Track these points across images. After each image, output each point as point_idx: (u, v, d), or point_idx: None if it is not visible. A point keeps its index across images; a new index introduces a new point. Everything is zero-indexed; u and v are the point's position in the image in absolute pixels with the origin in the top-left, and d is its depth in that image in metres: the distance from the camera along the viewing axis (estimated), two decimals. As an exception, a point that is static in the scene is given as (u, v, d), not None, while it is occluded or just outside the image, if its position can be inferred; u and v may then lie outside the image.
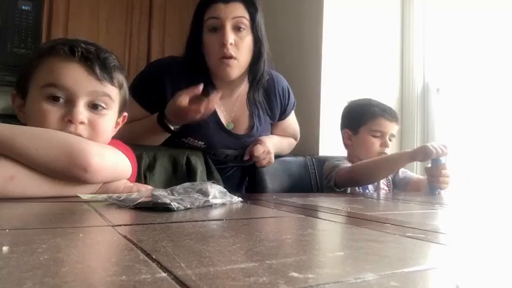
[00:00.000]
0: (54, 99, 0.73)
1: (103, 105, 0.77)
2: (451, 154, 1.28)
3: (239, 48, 1.15)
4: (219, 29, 1.14)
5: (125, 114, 0.88)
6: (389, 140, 1.40)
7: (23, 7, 2.13)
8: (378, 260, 0.31)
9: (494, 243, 0.43)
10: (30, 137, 0.66)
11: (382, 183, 1.42)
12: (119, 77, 0.80)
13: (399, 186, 1.45)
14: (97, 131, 0.76)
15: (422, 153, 1.22)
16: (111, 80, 0.77)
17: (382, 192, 1.41)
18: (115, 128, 0.85)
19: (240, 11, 1.15)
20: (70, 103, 0.73)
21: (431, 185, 1.23)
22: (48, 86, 0.72)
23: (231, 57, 1.14)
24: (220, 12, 1.13)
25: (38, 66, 0.75)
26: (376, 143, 1.39)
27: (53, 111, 0.72)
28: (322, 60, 1.84)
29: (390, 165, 1.30)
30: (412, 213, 0.68)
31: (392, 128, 1.40)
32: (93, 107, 0.76)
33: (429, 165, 1.26)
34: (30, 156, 0.65)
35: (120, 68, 0.81)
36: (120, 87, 0.81)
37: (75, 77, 0.73)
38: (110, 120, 0.79)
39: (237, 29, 1.15)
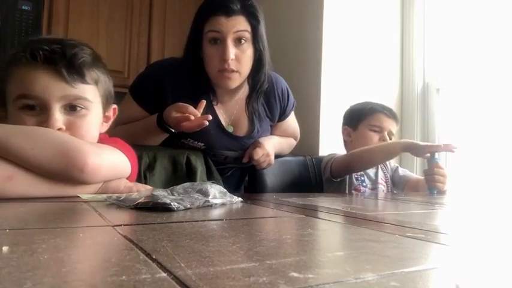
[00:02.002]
0: (30, 108, 0.71)
1: (81, 105, 0.74)
2: (451, 154, 1.28)
3: (240, 62, 1.14)
4: (219, 42, 1.12)
5: (114, 106, 0.86)
6: (389, 138, 1.42)
7: (23, 7, 2.13)
8: (378, 260, 0.31)
9: (495, 243, 0.43)
10: (25, 138, 0.66)
11: (381, 178, 1.43)
12: (93, 72, 0.76)
13: (398, 185, 1.46)
14: (78, 133, 0.74)
15: (414, 148, 1.25)
16: (82, 79, 0.73)
17: (380, 188, 1.41)
18: (105, 122, 0.84)
19: (241, 25, 1.13)
20: (45, 111, 0.71)
21: (429, 185, 1.24)
22: (19, 98, 0.71)
23: (232, 71, 1.14)
24: (221, 26, 1.11)
25: (8, 79, 0.73)
26: (375, 137, 1.41)
27: (31, 121, 0.71)
28: (322, 61, 1.84)
29: (385, 153, 1.32)
30: (412, 213, 0.68)
31: (391, 125, 1.42)
32: (72, 108, 0.73)
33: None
34: (25, 157, 0.64)
35: (93, 61, 0.76)
36: (96, 82, 0.77)
37: (43, 84, 0.70)
38: (92, 118, 0.77)
39: (238, 41, 1.13)
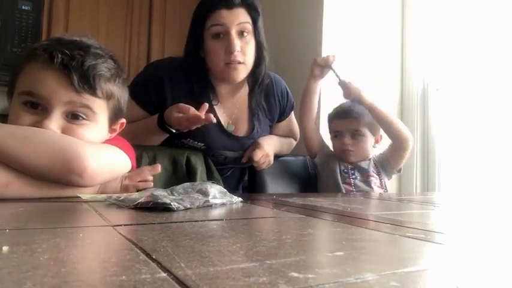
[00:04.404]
0: (33, 106, 0.70)
1: (83, 116, 0.72)
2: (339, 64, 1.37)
3: (245, 53, 1.15)
4: (223, 36, 1.13)
5: (122, 121, 0.85)
6: (356, 135, 1.40)
7: (23, 7, 2.13)
8: (378, 260, 0.31)
9: (494, 243, 0.43)
10: (22, 141, 0.64)
11: (372, 171, 1.41)
12: (106, 87, 0.74)
13: (384, 166, 1.43)
14: None
15: (314, 67, 1.36)
16: (92, 91, 0.71)
17: (372, 180, 1.39)
18: (110, 134, 0.82)
19: (243, 17, 1.14)
20: (46, 112, 0.70)
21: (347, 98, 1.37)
22: (25, 94, 0.70)
23: (238, 62, 1.14)
24: (224, 19, 1.12)
25: (21, 71, 0.72)
26: (336, 143, 1.44)
27: (27, 118, 0.69)
28: (322, 60, 1.83)
29: (304, 97, 1.41)
30: (412, 213, 0.68)
31: (349, 125, 1.41)
32: (74, 117, 0.72)
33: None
34: (23, 163, 0.63)
35: (112, 76, 0.75)
36: (108, 97, 0.75)
37: (51, 86, 0.69)
38: (94, 131, 0.74)
39: (241, 33, 1.14)
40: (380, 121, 1.37)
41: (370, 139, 1.42)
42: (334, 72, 1.35)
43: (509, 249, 0.40)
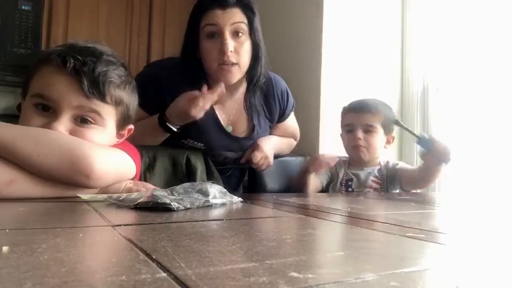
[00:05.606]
0: (44, 108, 0.72)
1: (91, 120, 0.74)
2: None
3: (239, 54, 1.14)
4: (217, 36, 1.12)
5: (131, 126, 0.86)
6: (368, 131, 1.36)
7: (23, 7, 2.13)
8: (378, 260, 0.31)
9: (494, 243, 0.43)
10: (31, 142, 0.65)
11: (371, 180, 1.37)
12: (116, 93, 0.76)
13: (394, 181, 1.38)
14: None
15: (310, 166, 1.31)
16: (101, 97, 0.73)
17: (367, 192, 1.36)
18: (118, 139, 0.83)
19: (238, 17, 1.13)
20: (55, 114, 0.71)
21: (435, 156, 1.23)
22: (37, 96, 0.72)
23: (231, 63, 1.14)
24: (218, 19, 1.11)
25: (34, 74, 0.74)
26: (347, 138, 1.40)
27: (37, 120, 0.71)
28: (322, 60, 1.83)
29: (300, 187, 1.33)
30: (412, 213, 0.68)
31: (362, 119, 1.36)
32: (82, 121, 0.73)
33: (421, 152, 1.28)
34: (31, 162, 0.64)
35: (122, 83, 0.77)
36: (117, 103, 0.77)
37: (62, 90, 0.71)
38: (102, 135, 0.75)
39: (235, 34, 1.13)
40: (427, 179, 1.31)
41: (382, 137, 1.37)
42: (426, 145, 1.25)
43: (509, 249, 0.40)
